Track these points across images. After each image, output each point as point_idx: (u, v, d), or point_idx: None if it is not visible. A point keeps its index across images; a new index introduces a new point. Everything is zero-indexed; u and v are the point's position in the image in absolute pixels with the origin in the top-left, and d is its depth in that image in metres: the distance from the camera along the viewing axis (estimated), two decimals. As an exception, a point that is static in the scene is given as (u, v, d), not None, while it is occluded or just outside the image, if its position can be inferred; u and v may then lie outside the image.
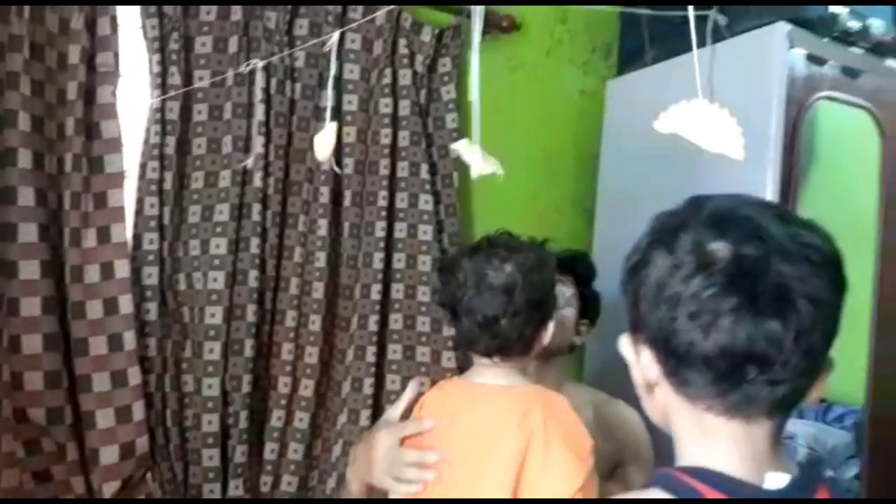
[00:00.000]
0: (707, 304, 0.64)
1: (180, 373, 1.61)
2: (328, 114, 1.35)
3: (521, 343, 1.14)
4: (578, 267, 1.56)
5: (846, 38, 1.63)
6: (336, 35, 1.24)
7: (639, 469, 1.44)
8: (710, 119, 0.82)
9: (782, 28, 1.56)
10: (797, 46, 1.58)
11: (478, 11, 1.07)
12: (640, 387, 0.76)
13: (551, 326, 1.18)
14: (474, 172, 1.05)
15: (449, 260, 1.26)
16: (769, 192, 1.56)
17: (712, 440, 0.70)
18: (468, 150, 1.05)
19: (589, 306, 1.56)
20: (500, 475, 1.06)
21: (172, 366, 1.60)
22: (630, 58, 1.99)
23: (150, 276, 1.56)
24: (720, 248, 0.66)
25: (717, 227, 0.68)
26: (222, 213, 1.59)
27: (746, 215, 0.69)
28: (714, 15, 1.65)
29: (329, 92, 1.38)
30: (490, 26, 1.85)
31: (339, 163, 1.71)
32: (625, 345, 0.76)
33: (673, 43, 1.81)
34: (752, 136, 1.56)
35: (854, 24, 1.61)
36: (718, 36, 1.65)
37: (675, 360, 0.68)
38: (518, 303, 1.11)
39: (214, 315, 1.58)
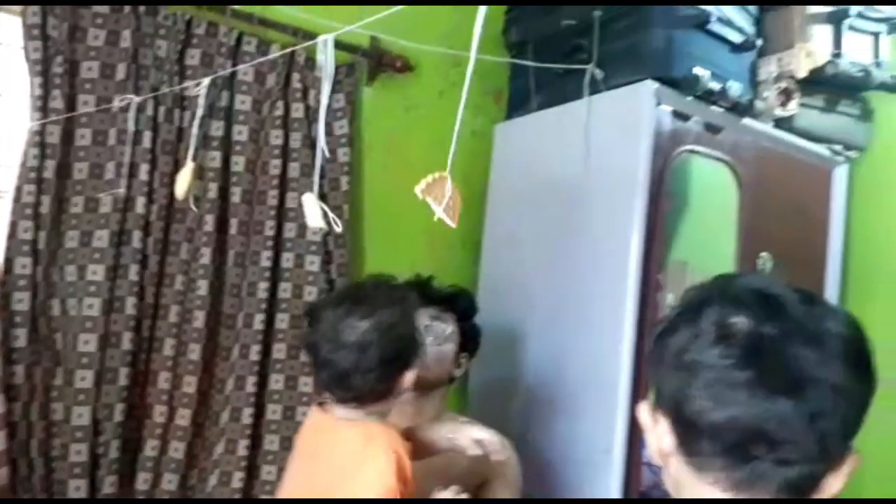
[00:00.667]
0: (722, 375, 0.65)
1: (49, 401, 1.56)
2: (191, 150, 1.37)
3: (374, 395, 1.18)
4: (460, 304, 1.61)
5: (708, 97, 1.77)
6: (206, 81, 1.26)
7: (504, 486, 1.50)
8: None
9: (650, 86, 1.69)
10: (664, 103, 1.71)
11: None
12: (655, 455, 0.75)
13: (411, 374, 1.21)
14: (310, 223, 1.09)
15: (314, 307, 1.28)
16: (636, 236, 1.67)
17: None
18: (310, 203, 1.08)
19: (469, 340, 1.62)
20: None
21: (41, 394, 1.55)
22: (518, 103, 2.09)
23: (21, 301, 1.52)
24: (741, 322, 0.66)
25: (741, 302, 0.68)
26: (101, 238, 1.57)
27: (771, 294, 0.69)
28: (591, 69, 1.76)
29: (195, 130, 1.42)
30: (384, 66, 1.91)
31: (226, 192, 1.72)
32: (643, 412, 0.76)
33: (556, 92, 1.93)
34: (622, 183, 1.71)
35: (714, 85, 1.76)
36: (595, 88, 1.77)
37: (686, 428, 0.68)
38: (371, 360, 1.14)
39: (88, 342, 1.55)
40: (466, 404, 2.04)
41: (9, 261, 1.51)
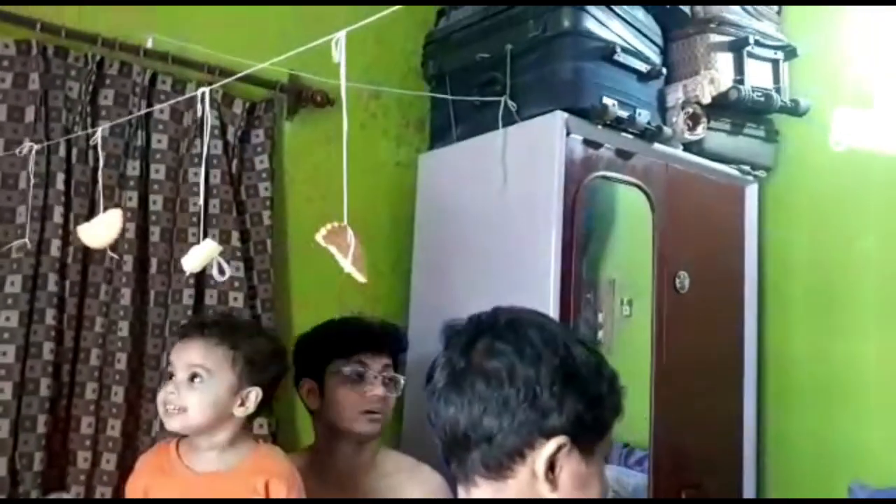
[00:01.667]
0: None
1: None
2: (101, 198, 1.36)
3: None
4: (402, 343, 1.63)
5: (617, 125, 1.85)
6: (102, 129, 1.27)
7: None
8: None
9: (560, 116, 1.76)
10: (574, 132, 1.78)
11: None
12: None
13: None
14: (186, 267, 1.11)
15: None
16: (553, 259, 1.73)
17: None
18: (203, 251, 1.10)
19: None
20: None
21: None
22: (439, 133, 2.14)
23: (-69, 350, 1.48)
24: None
25: None
26: (14, 284, 1.54)
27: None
28: (505, 101, 1.82)
29: (101, 184, 1.45)
30: (304, 100, 1.94)
31: (146, 231, 1.71)
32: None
33: (474, 122, 1.98)
34: (538, 209, 1.77)
35: (623, 113, 1.83)
36: (509, 119, 1.83)
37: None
38: None
39: (3, 390, 1.52)
40: (399, 442, 2.04)
41: (-83, 310, 1.48)
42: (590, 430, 0.84)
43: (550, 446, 0.81)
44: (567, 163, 1.76)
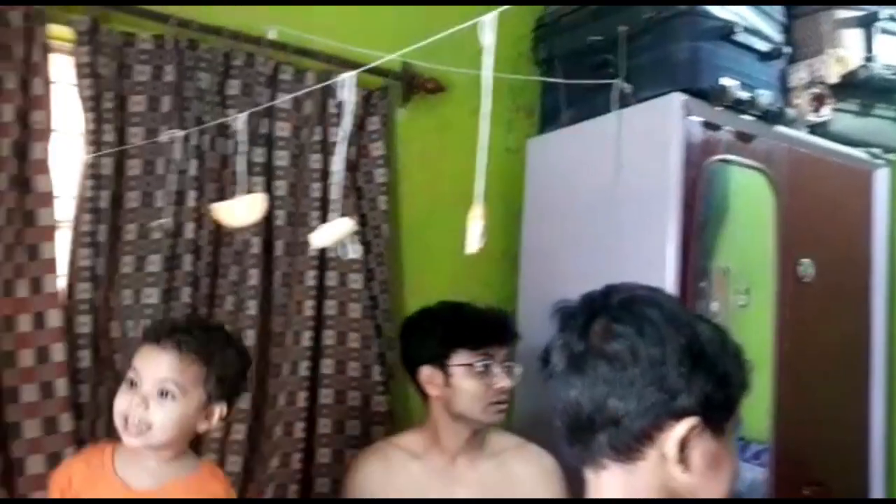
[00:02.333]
0: None
1: (113, 419, 1.63)
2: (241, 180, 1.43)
3: None
4: (511, 334, 1.62)
5: (737, 106, 1.79)
6: (243, 116, 1.33)
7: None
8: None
9: (679, 98, 1.72)
10: (693, 114, 1.74)
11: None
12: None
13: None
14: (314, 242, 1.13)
15: None
16: (671, 245, 1.70)
17: None
18: (336, 229, 1.12)
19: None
20: None
21: (106, 412, 1.63)
22: (549, 118, 2.13)
23: (84, 324, 1.60)
24: None
25: None
26: (154, 263, 1.65)
27: None
28: (619, 83, 1.79)
29: (241, 168, 1.50)
30: (416, 88, 1.97)
31: (271, 215, 1.79)
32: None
33: (586, 106, 1.96)
34: (655, 194, 1.74)
35: (743, 95, 1.77)
36: (624, 102, 1.80)
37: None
38: None
39: (145, 362, 1.62)
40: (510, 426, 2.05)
41: (70, 286, 1.60)
42: (719, 409, 0.82)
43: (681, 428, 0.79)
44: (686, 146, 1.72)
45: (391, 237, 1.97)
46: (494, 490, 1.57)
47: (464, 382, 1.53)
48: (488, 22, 0.85)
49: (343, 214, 1.82)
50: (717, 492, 0.84)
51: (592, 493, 0.87)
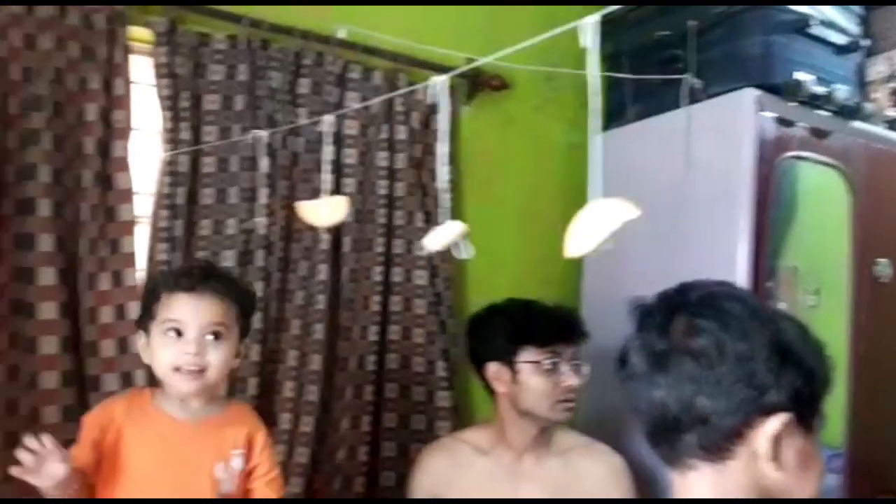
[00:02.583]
0: None
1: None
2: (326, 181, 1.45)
3: None
4: (579, 333, 1.61)
5: (812, 102, 1.74)
6: (329, 117, 1.35)
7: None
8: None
9: (751, 93, 1.69)
10: (766, 110, 1.70)
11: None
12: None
13: None
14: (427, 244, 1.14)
15: None
16: (742, 244, 1.67)
17: None
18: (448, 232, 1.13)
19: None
20: None
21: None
22: (615, 114, 2.11)
23: (160, 316, 1.65)
24: None
25: None
26: (228, 258, 1.69)
27: None
28: (689, 79, 1.77)
29: (326, 169, 1.52)
30: (481, 85, 1.98)
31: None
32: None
33: (653, 102, 1.94)
34: (726, 191, 1.70)
35: (819, 90, 1.73)
36: (694, 98, 1.77)
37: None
38: None
39: (220, 355, 1.67)
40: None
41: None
42: (807, 405, 0.81)
43: (774, 424, 0.78)
44: (759, 142, 1.68)
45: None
46: (562, 488, 1.56)
47: (531, 379, 1.54)
48: (590, 25, 0.85)
49: (410, 212, 1.86)
50: (808, 491, 0.82)
51: (679, 493, 0.86)
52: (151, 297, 1.28)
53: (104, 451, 1.24)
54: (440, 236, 1.14)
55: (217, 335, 1.25)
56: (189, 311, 1.24)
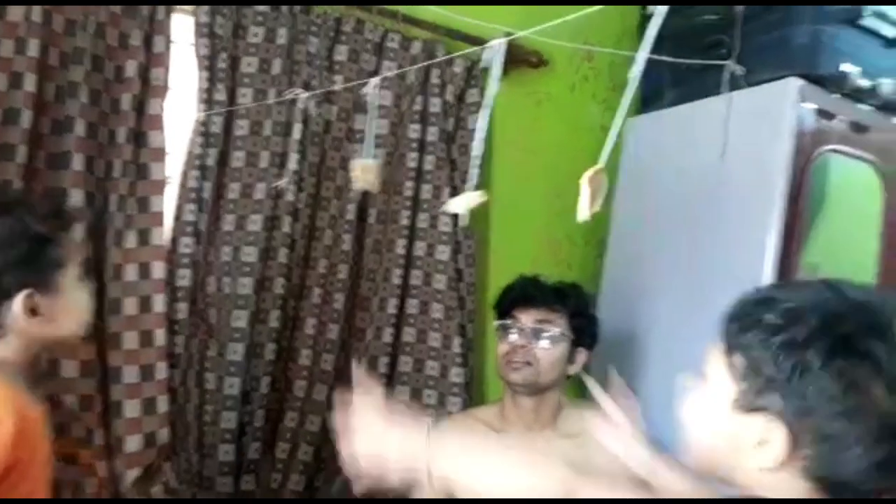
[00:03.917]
0: None
1: (204, 370, 1.69)
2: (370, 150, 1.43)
3: None
4: (569, 300, 1.63)
5: (856, 94, 1.71)
6: (375, 80, 1.34)
7: None
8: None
9: (795, 83, 1.65)
10: (808, 101, 1.66)
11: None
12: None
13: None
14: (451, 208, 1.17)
15: None
16: (772, 238, 1.64)
17: None
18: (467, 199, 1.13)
19: (584, 335, 1.63)
20: None
21: (197, 363, 1.69)
22: (650, 97, 2.07)
23: (184, 278, 1.66)
24: None
25: None
26: (255, 223, 1.69)
27: None
28: (731, 65, 1.73)
29: (370, 133, 1.52)
30: (518, 61, 1.95)
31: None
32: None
33: (691, 87, 1.90)
34: (760, 182, 1.68)
35: (864, 83, 1.69)
36: (735, 84, 1.73)
37: None
38: None
39: (240, 318, 1.68)
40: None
41: (174, 240, 1.66)
42: None
43: None
44: (797, 134, 1.65)
45: (480, 211, 1.96)
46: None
47: (497, 345, 1.62)
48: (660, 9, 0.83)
49: (437, 186, 1.85)
50: None
51: None
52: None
53: None
54: (462, 201, 1.14)
55: None
56: None
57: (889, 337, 0.70)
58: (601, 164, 0.93)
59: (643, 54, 0.86)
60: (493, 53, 1.11)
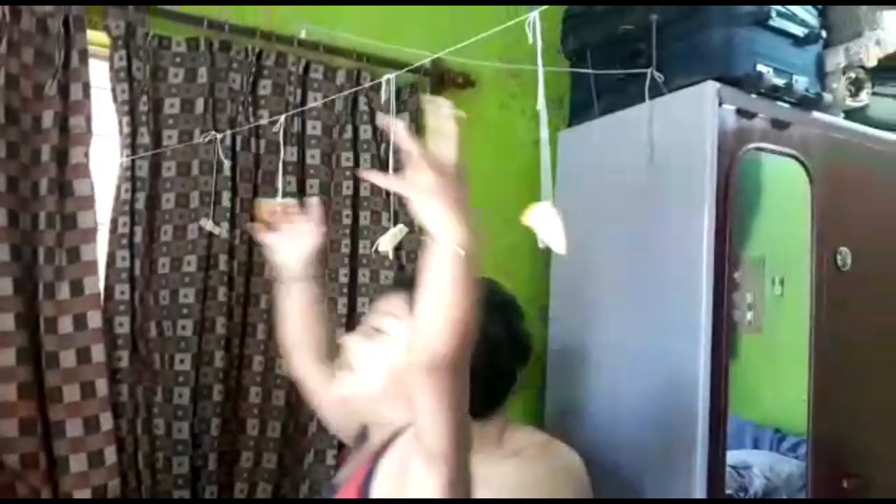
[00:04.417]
0: None
1: (151, 417, 1.66)
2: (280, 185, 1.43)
3: None
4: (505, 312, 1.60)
5: (773, 93, 1.76)
6: (282, 118, 1.34)
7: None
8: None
9: (713, 86, 1.70)
10: (727, 102, 1.71)
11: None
12: None
13: None
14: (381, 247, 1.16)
15: None
16: (707, 236, 1.68)
17: None
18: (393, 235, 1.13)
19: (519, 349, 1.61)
20: None
21: (144, 410, 1.66)
22: (580, 109, 2.11)
23: (122, 325, 1.63)
24: None
25: None
26: (191, 263, 1.67)
27: None
28: (651, 73, 1.77)
29: (280, 167, 1.51)
30: (445, 83, 1.97)
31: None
32: None
33: (617, 96, 1.94)
34: (689, 184, 1.72)
35: (780, 81, 1.74)
36: (656, 91, 1.78)
37: None
38: None
39: (184, 361, 1.65)
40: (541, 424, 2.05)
41: (109, 288, 1.63)
42: None
43: None
44: (720, 135, 1.69)
45: (423, 233, 1.96)
46: (515, 492, 1.54)
47: None
48: (536, 18, 0.84)
49: (376, 212, 1.85)
50: None
51: None
52: None
53: None
54: (388, 239, 1.15)
55: None
56: None
57: None
58: (544, 199, 0.89)
59: (541, 70, 0.87)
60: (385, 90, 1.11)
